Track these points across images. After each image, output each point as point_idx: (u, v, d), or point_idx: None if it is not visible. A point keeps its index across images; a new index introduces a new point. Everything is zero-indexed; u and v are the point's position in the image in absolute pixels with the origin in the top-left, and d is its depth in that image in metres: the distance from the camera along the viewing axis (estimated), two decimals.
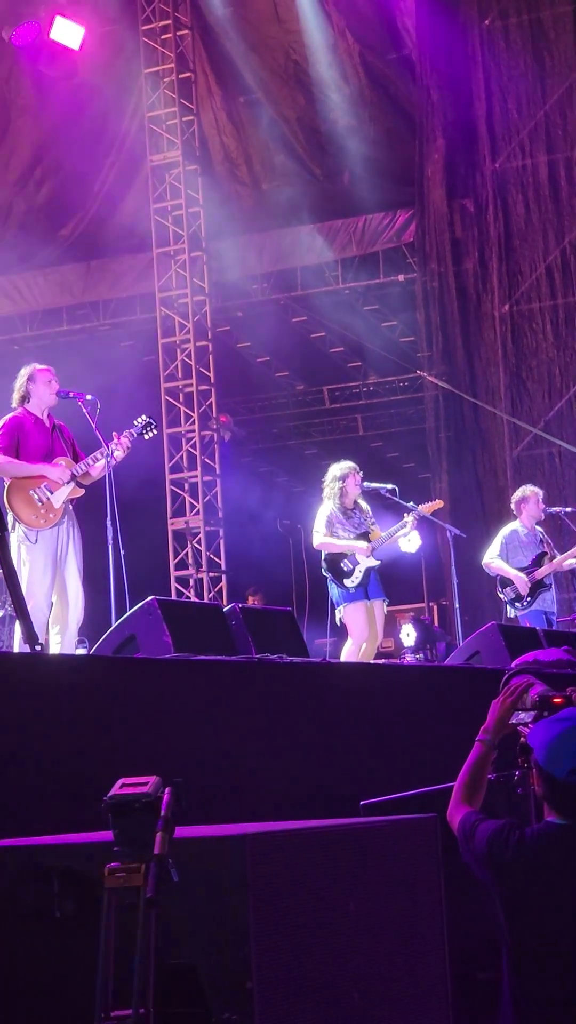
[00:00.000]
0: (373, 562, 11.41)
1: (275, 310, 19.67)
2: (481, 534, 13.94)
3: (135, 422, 9.79)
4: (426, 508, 11.96)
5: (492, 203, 16.91)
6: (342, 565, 11.39)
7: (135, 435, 9.66)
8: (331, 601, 11.58)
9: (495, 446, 16.99)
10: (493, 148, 16.92)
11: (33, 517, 9.14)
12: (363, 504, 11.73)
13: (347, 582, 11.35)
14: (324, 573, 11.53)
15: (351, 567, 11.36)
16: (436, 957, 4.60)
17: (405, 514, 11.79)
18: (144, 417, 9.91)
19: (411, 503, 11.86)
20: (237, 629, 8.36)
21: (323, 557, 11.54)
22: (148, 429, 9.84)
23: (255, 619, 8.62)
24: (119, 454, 9.44)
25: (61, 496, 9.22)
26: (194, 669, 7.05)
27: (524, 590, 12.34)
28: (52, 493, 9.21)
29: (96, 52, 18.22)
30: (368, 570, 11.38)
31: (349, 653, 11.32)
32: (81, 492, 9.40)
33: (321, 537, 11.50)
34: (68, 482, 9.23)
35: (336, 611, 11.52)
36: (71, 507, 9.38)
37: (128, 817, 3.67)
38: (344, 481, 11.58)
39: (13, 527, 9.08)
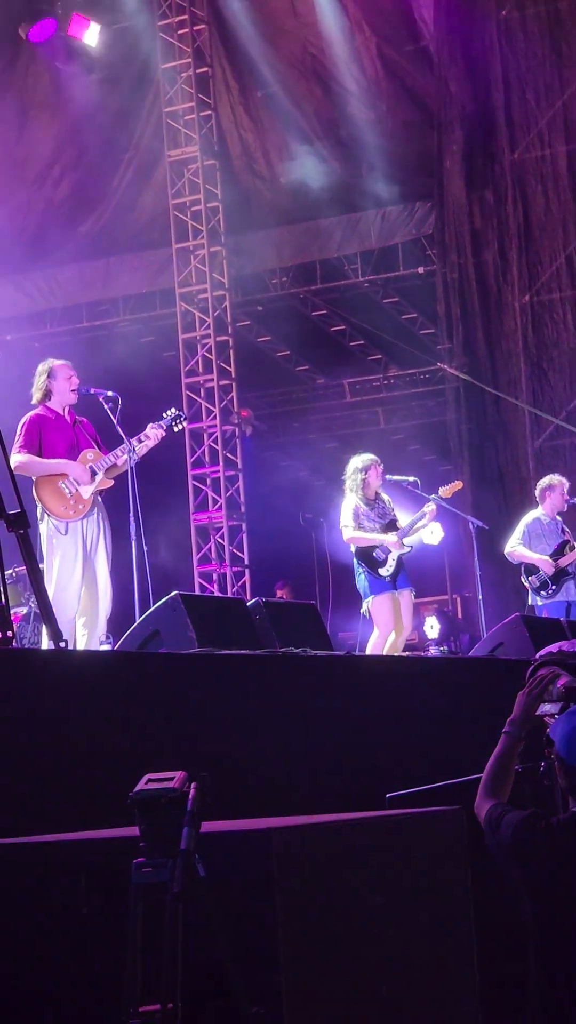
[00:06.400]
0: (404, 549, 11.47)
1: (295, 304, 19.66)
2: (503, 526, 13.90)
3: (164, 414, 9.82)
4: (446, 491, 12.01)
5: (511, 194, 16.85)
6: (375, 555, 11.43)
7: (164, 427, 9.69)
8: (361, 593, 11.60)
9: (517, 437, 16.93)
10: (512, 139, 16.86)
11: (62, 509, 9.18)
12: (383, 494, 11.76)
13: (381, 571, 11.39)
14: (356, 564, 11.54)
15: (384, 556, 11.40)
16: (464, 949, 4.59)
17: (424, 505, 11.81)
18: (173, 410, 9.94)
19: (433, 495, 11.86)
20: (261, 623, 8.36)
21: (354, 549, 11.56)
22: (177, 421, 9.87)
23: (279, 613, 8.62)
24: (140, 449, 9.47)
25: (90, 487, 9.26)
26: (218, 663, 7.05)
27: (549, 571, 12.32)
28: (80, 484, 9.25)
29: (113, 48, 18.23)
30: (399, 557, 11.41)
31: (375, 645, 11.33)
32: (110, 483, 9.45)
33: (351, 531, 11.54)
34: (91, 482, 9.26)
35: (364, 603, 11.54)
36: (100, 498, 9.42)
37: (154, 812, 3.68)
38: (366, 473, 11.60)
39: (42, 519, 9.14)
